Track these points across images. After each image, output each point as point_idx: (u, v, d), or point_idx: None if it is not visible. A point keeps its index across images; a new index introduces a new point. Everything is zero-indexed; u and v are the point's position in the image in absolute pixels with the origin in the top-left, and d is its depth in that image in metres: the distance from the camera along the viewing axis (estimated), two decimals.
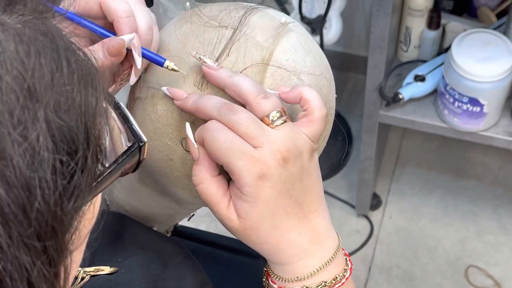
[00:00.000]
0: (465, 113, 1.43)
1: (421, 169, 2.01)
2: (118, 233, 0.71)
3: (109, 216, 0.72)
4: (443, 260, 1.82)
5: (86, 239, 0.45)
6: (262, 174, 0.54)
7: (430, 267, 1.81)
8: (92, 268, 0.64)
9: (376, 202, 1.92)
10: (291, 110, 0.60)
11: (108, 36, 0.59)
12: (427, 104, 1.54)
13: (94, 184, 0.40)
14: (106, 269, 0.64)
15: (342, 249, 0.62)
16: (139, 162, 0.47)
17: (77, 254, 0.43)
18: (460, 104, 1.41)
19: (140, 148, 0.46)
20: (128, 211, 0.78)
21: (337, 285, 0.59)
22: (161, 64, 0.59)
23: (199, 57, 0.58)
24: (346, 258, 0.62)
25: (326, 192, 1.96)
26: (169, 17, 0.68)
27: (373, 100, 1.52)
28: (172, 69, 0.58)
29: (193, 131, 0.58)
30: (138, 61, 0.58)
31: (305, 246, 0.58)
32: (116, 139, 0.47)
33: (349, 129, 2.08)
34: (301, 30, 0.64)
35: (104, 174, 0.42)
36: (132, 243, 0.70)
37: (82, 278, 0.63)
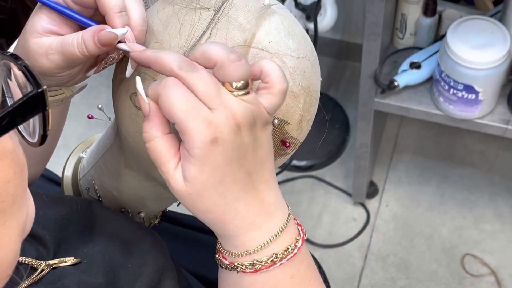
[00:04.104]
0: (461, 101, 1.42)
1: (418, 157, 2.00)
2: (87, 222, 0.70)
3: (77, 205, 0.71)
4: (439, 248, 1.82)
5: (10, 217, 0.43)
6: (214, 138, 0.51)
7: (426, 255, 1.81)
8: (55, 261, 0.63)
9: (372, 190, 1.92)
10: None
11: (92, 26, 0.59)
12: (422, 91, 1.53)
13: None
14: (70, 260, 0.63)
15: (294, 219, 0.61)
16: (45, 119, 0.43)
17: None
18: (455, 91, 1.41)
19: (40, 97, 0.42)
20: (116, 196, 0.78)
21: (289, 256, 0.58)
22: None
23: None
24: (298, 228, 0.60)
25: (323, 180, 1.96)
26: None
27: (368, 87, 1.52)
28: None
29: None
30: None
31: (252, 218, 0.57)
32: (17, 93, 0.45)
33: (347, 117, 2.07)
34: (286, 13, 0.64)
35: None
36: (100, 233, 0.69)
37: (42, 270, 0.61)
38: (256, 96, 0.54)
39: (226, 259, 0.59)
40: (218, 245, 0.60)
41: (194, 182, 0.53)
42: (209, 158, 0.52)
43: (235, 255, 0.58)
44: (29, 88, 0.43)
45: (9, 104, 0.42)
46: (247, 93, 0.53)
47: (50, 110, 0.43)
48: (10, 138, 0.42)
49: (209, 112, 0.52)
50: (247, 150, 0.54)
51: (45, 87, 0.42)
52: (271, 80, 0.55)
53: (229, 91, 0.53)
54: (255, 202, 0.56)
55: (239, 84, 0.53)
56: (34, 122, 0.45)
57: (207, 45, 0.53)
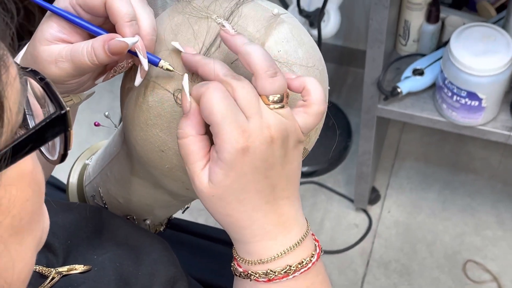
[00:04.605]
0: (464, 107, 1.43)
1: (420, 163, 2.00)
2: (96, 228, 0.70)
3: (86, 211, 0.71)
4: (441, 255, 1.82)
5: (26, 233, 0.43)
6: (246, 147, 0.53)
7: (428, 262, 1.81)
8: (65, 268, 0.63)
9: (374, 196, 1.92)
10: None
11: (102, 34, 0.59)
12: (425, 98, 1.54)
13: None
14: (80, 268, 0.63)
15: (312, 235, 0.61)
16: (66, 138, 0.43)
17: (17, 248, 0.42)
18: (458, 98, 1.41)
19: (62, 118, 0.42)
20: (122, 203, 0.78)
21: (302, 270, 0.58)
22: (155, 64, 0.59)
23: (219, 22, 0.57)
24: (315, 244, 0.61)
25: (325, 186, 1.96)
26: (164, 8, 0.68)
27: (371, 94, 1.52)
28: (167, 69, 0.58)
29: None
30: (145, 63, 0.58)
31: (269, 229, 0.57)
32: (39, 114, 0.45)
33: (349, 123, 2.07)
34: (294, 22, 0.64)
35: (13, 144, 0.39)
36: (109, 239, 0.69)
37: (53, 278, 0.61)
38: (291, 111, 0.56)
39: (240, 267, 0.60)
40: (233, 252, 0.61)
41: (218, 185, 0.54)
42: (237, 165, 0.53)
43: (249, 263, 0.59)
44: (51, 106, 0.43)
45: (29, 122, 0.43)
46: (282, 107, 0.55)
47: (72, 131, 0.43)
48: (30, 158, 0.42)
49: (245, 120, 0.53)
50: (275, 163, 0.55)
51: (68, 108, 0.42)
52: (310, 100, 0.56)
53: (266, 104, 0.54)
54: (274, 215, 0.57)
55: (276, 98, 0.54)
56: (55, 140, 0.45)
57: (252, 48, 0.54)
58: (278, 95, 0.54)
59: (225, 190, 0.55)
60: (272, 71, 0.54)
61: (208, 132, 0.56)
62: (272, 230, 0.57)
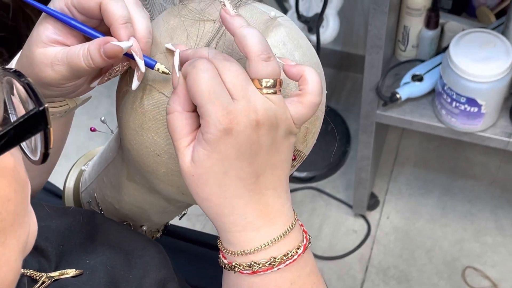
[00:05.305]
0: (463, 114, 1.42)
1: (419, 169, 2.00)
2: (90, 233, 0.69)
3: (80, 216, 0.70)
4: (440, 261, 1.81)
5: (9, 235, 0.42)
6: (229, 129, 0.52)
7: (427, 268, 1.80)
8: (56, 273, 0.62)
9: (373, 202, 1.92)
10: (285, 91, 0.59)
11: (97, 37, 0.58)
12: (424, 104, 1.53)
13: None
14: (71, 272, 0.62)
15: (301, 225, 0.60)
16: (46, 137, 0.43)
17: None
18: (457, 104, 1.40)
19: (41, 115, 0.41)
20: (118, 209, 0.78)
21: (288, 262, 0.57)
22: (151, 67, 0.58)
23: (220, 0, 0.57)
24: (303, 235, 0.59)
25: (323, 192, 1.96)
26: (160, 11, 0.67)
27: (370, 100, 1.52)
28: (163, 72, 0.58)
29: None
30: (142, 65, 0.58)
31: (250, 219, 0.56)
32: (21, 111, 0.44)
33: (347, 128, 2.07)
34: (291, 25, 0.63)
35: None
36: (102, 243, 0.68)
37: (43, 283, 0.61)
38: (283, 99, 0.54)
39: (225, 258, 0.59)
40: (218, 242, 0.60)
41: (199, 165, 0.53)
42: (220, 146, 0.52)
43: (232, 254, 0.57)
44: (31, 105, 0.42)
45: (12, 121, 0.42)
46: (275, 93, 0.54)
47: (52, 129, 0.42)
48: (11, 156, 0.41)
49: (231, 101, 0.52)
50: (260, 150, 0.54)
51: (46, 105, 0.41)
52: (305, 89, 0.55)
53: (257, 88, 0.53)
54: (257, 205, 0.56)
55: (268, 83, 0.53)
56: (36, 140, 0.45)
57: (249, 31, 0.54)
58: (271, 81, 0.53)
59: (205, 171, 0.54)
60: (266, 55, 0.53)
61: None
62: (254, 221, 0.56)
